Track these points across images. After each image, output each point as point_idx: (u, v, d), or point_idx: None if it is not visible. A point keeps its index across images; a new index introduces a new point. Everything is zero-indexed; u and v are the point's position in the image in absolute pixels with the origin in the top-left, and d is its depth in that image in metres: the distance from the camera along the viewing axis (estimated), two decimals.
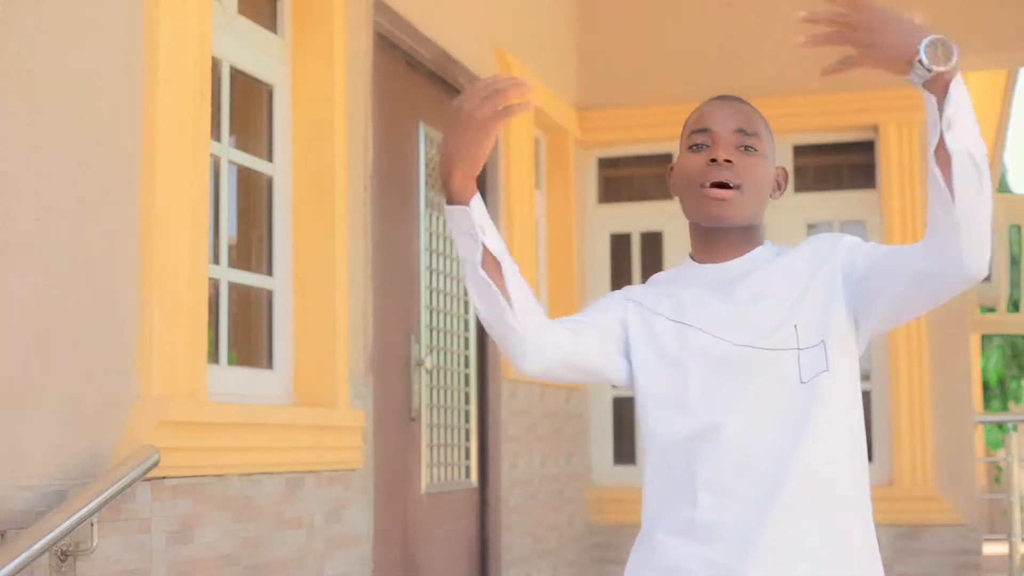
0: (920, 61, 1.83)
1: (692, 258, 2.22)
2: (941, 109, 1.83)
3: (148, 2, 3.22)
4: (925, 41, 1.83)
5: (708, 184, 2.10)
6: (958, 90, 1.82)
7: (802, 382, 2.05)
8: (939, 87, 1.84)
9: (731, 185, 2.09)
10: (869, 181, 7.16)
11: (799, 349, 2.06)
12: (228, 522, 3.47)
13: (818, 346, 2.07)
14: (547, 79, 6.74)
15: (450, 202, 2.02)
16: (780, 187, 2.21)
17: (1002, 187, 16.65)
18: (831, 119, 7.08)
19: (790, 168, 7.25)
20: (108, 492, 2.80)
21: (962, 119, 1.82)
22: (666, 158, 7.43)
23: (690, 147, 2.15)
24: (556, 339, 2.15)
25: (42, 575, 2.74)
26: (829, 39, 1.89)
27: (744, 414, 2.05)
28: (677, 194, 2.20)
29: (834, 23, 1.92)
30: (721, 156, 2.09)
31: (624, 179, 7.66)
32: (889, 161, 6.91)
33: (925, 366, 6.81)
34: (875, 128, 7.05)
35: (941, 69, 1.82)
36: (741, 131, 2.13)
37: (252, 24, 4.09)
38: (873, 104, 6.93)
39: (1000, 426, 12.39)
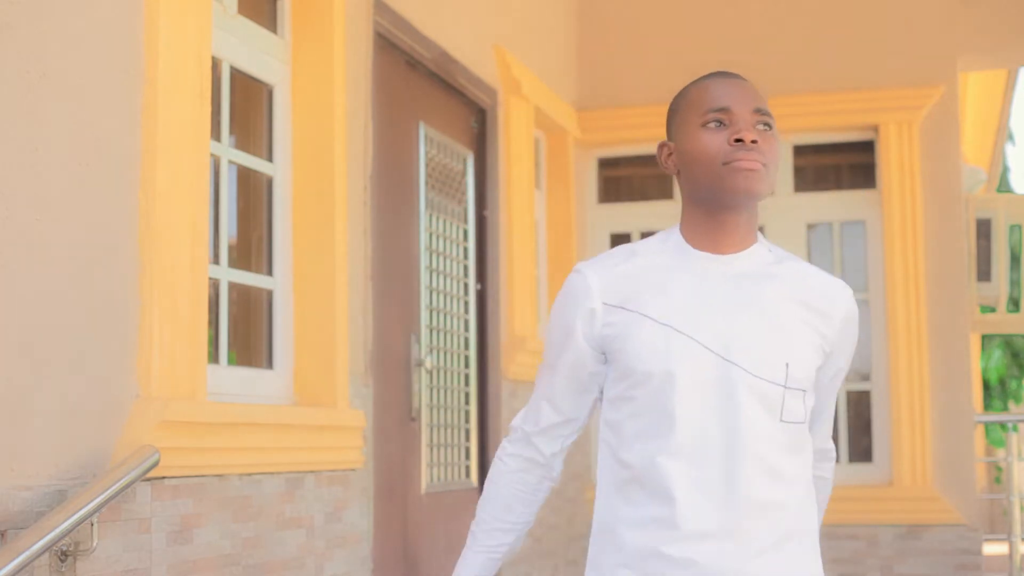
0: None
1: (685, 240, 2.15)
2: None
3: (148, 2, 3.23)
4: None
5: (734, 162, 2.06)
6: None
7: (782, 420, 2.05)
8: None
9: (760, 163, 2.07)
10: (869, 181, 7.16)
11: (785, 388, 2.05)
12: (228, 522, 3.47)
13: (799, 392, 2.07)
14: (547, 79, 6.74)
15: None
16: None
17: (1003, 187, 16.64)
18: (831, 119, 7.08)
19: (790, 168, 7.26)
20: (108, 492, 2.80)
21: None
22: None
23: (705, 124, 2.10)
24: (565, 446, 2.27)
25: (42, 575, 2.74)
26: None
27: (724, 431, 2.03)
28: (683, 172, 2.14)
29: None
30: (748, 137, 2.06)
31: (624, 179, 7.66)
32: (889, 161, 6.91)
33: (925, 366, 6.81)
34: (875, 128, 7.05)
35: None
36: (759, 110, 2.10)
37: (252, 24, 4.09)
38: (873, 104, 6.93)
39: (1001, 426, 12.39)
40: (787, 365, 2.05)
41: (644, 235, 7.34)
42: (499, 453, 2.29)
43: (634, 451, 2.08)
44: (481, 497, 2.29)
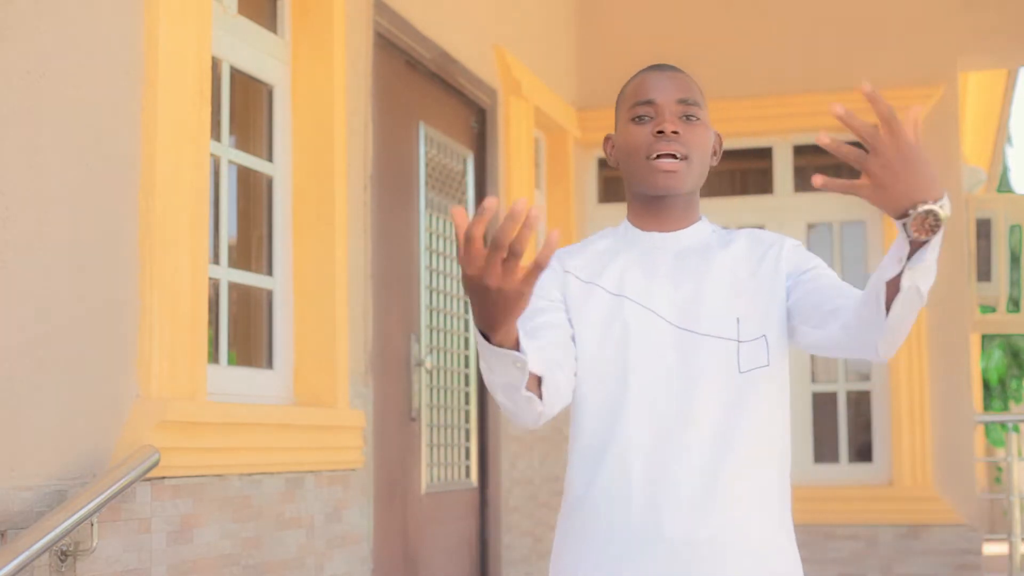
0: (905, 225, 1.76)
1: (632, 225, 2.22)
2: (912, 251, 1.79)
3: (148, 2, 3.23)
4: (923, 207, 1.73)
5: (656, 156, 2.12)
6: (938, 241, 1.79)
7: (740, 372, 2.08)
8: (924, 233, 1.76)
9: (679, 156, 2.12)
10: None
11: (739, 341, 2.09)
12: (228, 522, 3.47)
13: (759, 340, 2.10)
14: (547, 79, 6.74)
15: (489, 343, 1.82)
16: (716, 153, 2.23)
17: (1004, 187, 16.64)
18: (831, 119, 7.02)
19: (790, 168, 7.25)
20: (108, 492, 2.80)
21: (929, 266, 1.81)
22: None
23: (633, 118, 2.16)
24: (561, 393, 2.05)
25: (42, 575, 2.74)
26: (850, 155, 1.76)
27: (680, 395, 2.07)
28: (618, 165, 2.21)
29: (866, 141, 1.76)
30: (668, 128, 2.11)
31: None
32: None
33: (925, 366, 6.81)
34: (875, 128, 7.04)
35: (921, 239, 1.76)
36: (684, 101, 2.15)
37: (252, 24, 4.09)
38: None
39: (1001, 425, 12.38)
40: (737, 320, 2.10)
41: None
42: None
43: (595, 420, 2.11)
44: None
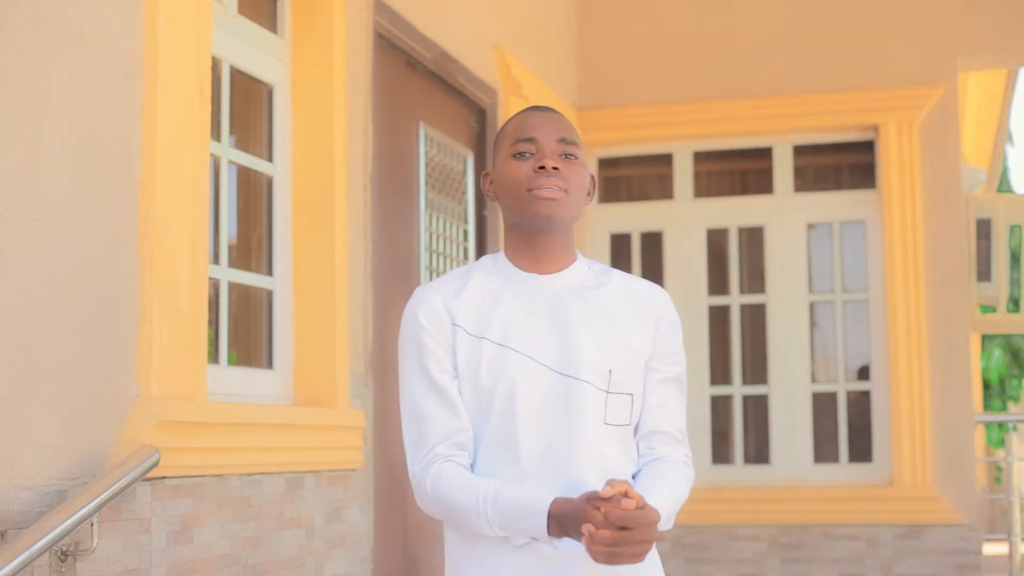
0: None
1: (511, 263, 2.29)
2: None
3: (148, 2, 3.23)
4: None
5: (535, 190, 2.21)
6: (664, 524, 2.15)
7: (606, 423, 2.19)
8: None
9: (559, 190, 2.22)
10: (869, 181, 7.16)
11: (608, 392, 2.20)
12: (228, 522, 3.48)
13: (626, 396, 2.22)
14: (547, 79, 6.75)
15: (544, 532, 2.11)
16: (590, 193, 2.33)
17: (1004, 187, 16.64)
18: (831, 119, 7.08)
19: (790, 168, 7.25)
20: (108, 492, 2.80)
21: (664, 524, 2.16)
22: (666, 158, 7.44)
23: (514, 155, 2.25)
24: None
25: (42, 575, 2.74)
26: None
27: (562, 441, 2.17)
28: (498, 199, 2.30)
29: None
30: (549, 164, 2.21)
31: (624, 179, 7.66)
32: (889, 161, 6.91)
33: (925, 366, 6.80)
34: (875, 128, 7.05)
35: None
36: (563, 140, 2.25)
37: (252, 24, 4.09)
38: (873, 104, 6.93)
39: (1001, 426, 12.38)
40: (610, 372, 2.20)
41: (644, 235, 7.41)
42: (419, 491, 2.23)
43: (485, 467, 2.20)
44: (457, 518, 2.19)
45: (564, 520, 2.06)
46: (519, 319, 2.22)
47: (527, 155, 2.24)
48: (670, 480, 2.21)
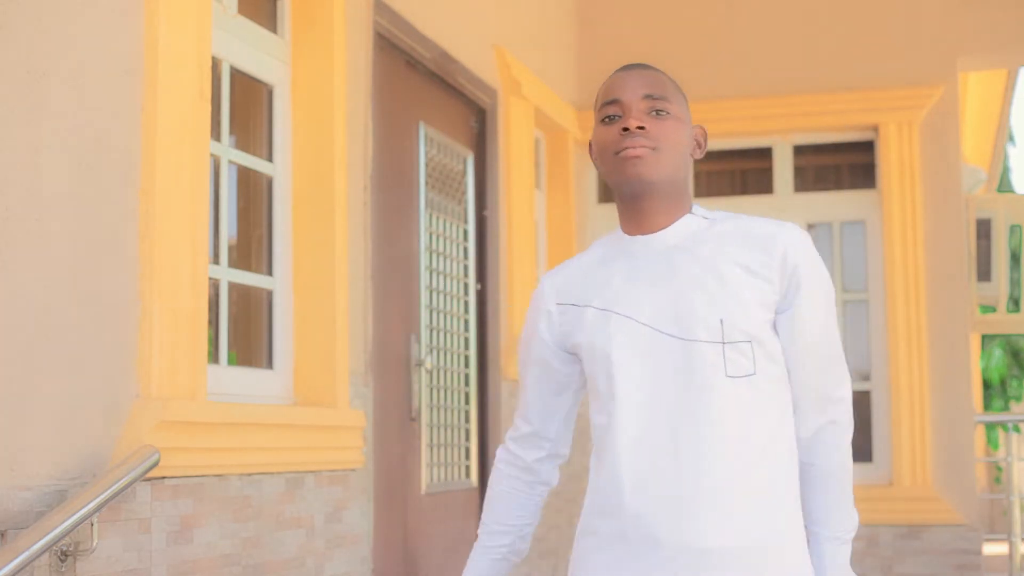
0: None
1: (621, 230, 2.23)
2: None
3: (148, 2, 3.23)
4: None
5: (621, 151, 2.13)
6: None
7: (727, 375, 2.07)
8: None
9: (646, 148, 2.12)
10: (869, 181, 7.16)
11: (723, 343, 2.07)
12: (228, 522, 3.48)
13: (744, 344, 2.08)
14: (547, 79, 6.74)
15: None
16: (700, 146, 2.23)
17: (1004, 186, 16.64)
18: (831, 119, 7.08)
19: (790, 168, 7.25)
20: (108, 492, 2.80)
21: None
22: None
23: (602, 119, 2.18)
24: (555, 468, 2.40)
25: (42, 575, 2.74)
26: None
27: (669, 403, 2.08)
28: (599, 168, 2.22)
29: None
30: (633, 124, 2.12)
31: None
32: (889, 161, 6.91)
33: (925, 366, 6.80)
34: (875, 128, 7.05)
35: None
36: (650, 96, 2.14)
37: (252, 24, 4.09)
38: (873, 104, 6.94)
39: (1001, 426, 12.38)
40: (721, 322, 2.07)
41: None
42: (496, 457, 2.38)
43: (597, 433, 2.19)
44: (485, 500, 2.38)
45: None
46: (621, 281, 2.16)
47: (615, 118, 2.15)
48: (817, 490, 2.16)
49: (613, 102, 2.16)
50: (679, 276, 2.12)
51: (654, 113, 2.14)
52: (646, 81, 2.16)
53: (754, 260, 2.12)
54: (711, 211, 2.22)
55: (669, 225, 2.17)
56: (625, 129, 2.12)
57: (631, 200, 2.17)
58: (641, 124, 2.11)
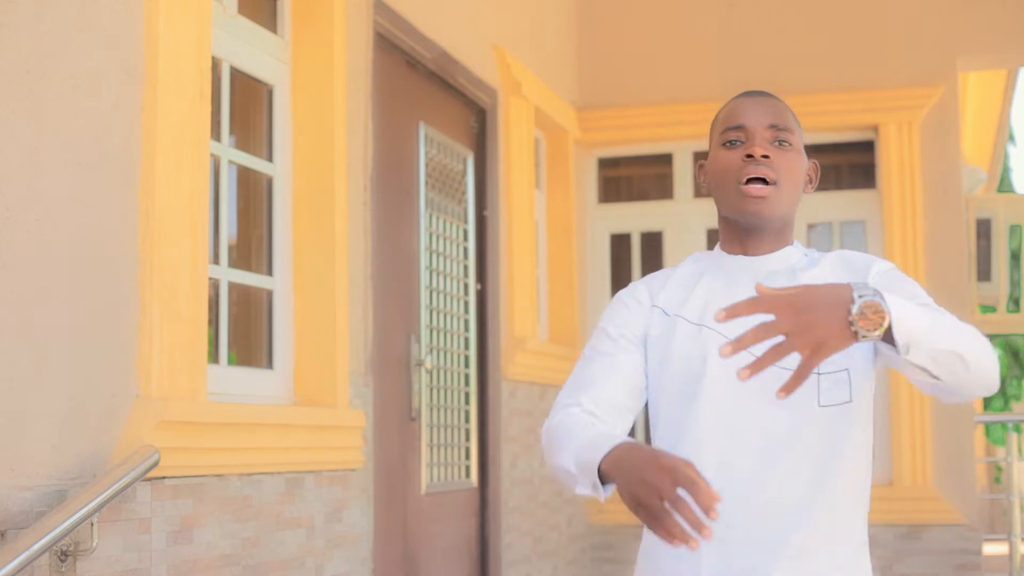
0: (859, 335, 1.76)
1: (721, 249, 2.20)
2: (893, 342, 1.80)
3: (148, 2, 3.23)
4: (854, 311, 1.75)
5: (745, 180, 2.09)
6: (900, 323, 1.78)
7: (820, 405, 2.03)
8: (876, 326, 1.77)
9: (768, 181, 2.09)
10: (869, 181, 7.16)
11: (819, 373, 2.03)
12: (228, 522, 3.48)
13: (841, 373, 2.04)
14: (547, 79, 6.75)
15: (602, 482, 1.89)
16: (812, 181, 2.21)
17: (1004, 186, 16.64)
18: (831, 119, 7.08)
19: None
20: (108, 492, 2.80)
21: (917, 340, 1.80)
22: (666, 158, 7.44)
23: (724, 143, 2.14)
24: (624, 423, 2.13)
25: (42, 575, 2.74)
26: (765, 361, 1.75)
27: (753, 427, 2.03)
28: (711, 190, 2.19)
29: (759, 336, 1.74)
30: (758, 152, 2.09)
31: (624, 179, 7.66)
32: (889, 161, 6.91)
33: None
34: (875, 128, 7.05)
35: (877, 335, 1.76)
36: (775, 126, 2.12)
37: (252, 24, 4.09)
38: (873, 104, 6.94)
39: (1001, 425, 12.37)
40: None
41: (644, 235, 7.41)
42: (547, 421, 2.16)
43: (667, 445, 2.08)
44: (551, 452, 2.07)
45: (623, 464, 1.81)
46: (718, 297, 2.12)
47: (737, 143, 2.12)
48: (934, 313, 1.89)
49: (738, 128, 2.13)
50: None
51: (777, 143, 2.12)
52: (772, 110, 2.14)
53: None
54: (808, 248, 2.22)
55: (773, 252, 2.16)
56: (749, 156, 2.09)
57: (743, 230, 2.16)
58: (766, 153, 2.09)
